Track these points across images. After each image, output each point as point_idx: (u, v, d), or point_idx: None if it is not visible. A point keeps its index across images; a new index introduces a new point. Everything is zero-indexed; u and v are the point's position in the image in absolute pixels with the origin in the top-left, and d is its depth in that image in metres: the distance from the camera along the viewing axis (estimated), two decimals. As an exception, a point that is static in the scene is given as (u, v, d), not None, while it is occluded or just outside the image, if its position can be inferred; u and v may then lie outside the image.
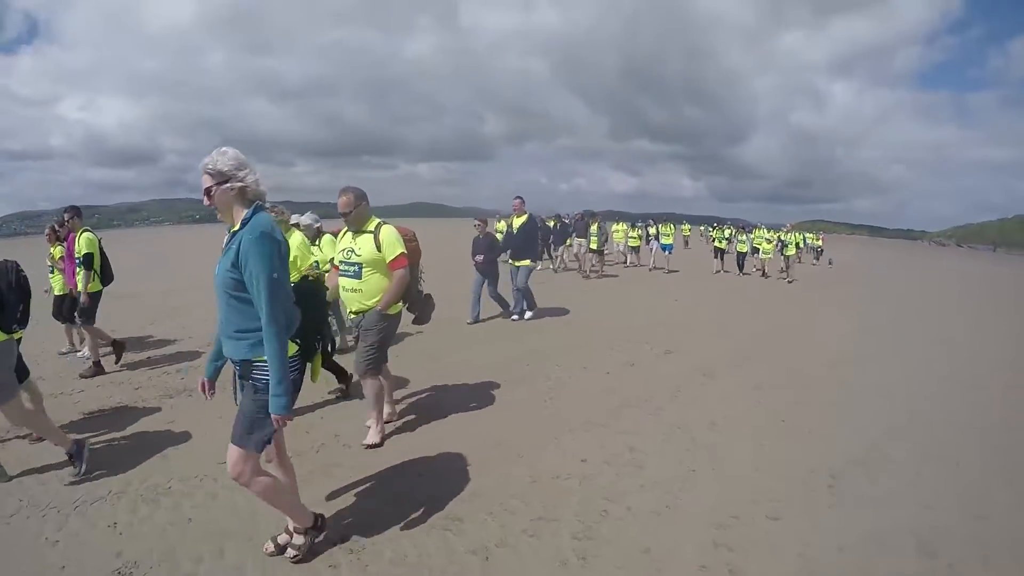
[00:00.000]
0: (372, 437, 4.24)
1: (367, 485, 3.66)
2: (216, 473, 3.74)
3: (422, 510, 3.34)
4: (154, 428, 4.57)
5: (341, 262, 4.17)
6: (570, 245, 16.95)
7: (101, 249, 6.16)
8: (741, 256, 18.01)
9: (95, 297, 6.07)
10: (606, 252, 17.05)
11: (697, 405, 5.30)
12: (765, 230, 18.91)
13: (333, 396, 5.31)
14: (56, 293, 6.72)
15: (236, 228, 2.40)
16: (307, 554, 2.86)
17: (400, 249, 4.04)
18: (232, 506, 3.37)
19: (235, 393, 2.73)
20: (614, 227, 20.65)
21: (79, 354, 6.74)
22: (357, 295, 4.09)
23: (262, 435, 2.48)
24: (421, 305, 4.81)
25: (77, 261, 5.87)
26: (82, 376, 5.95)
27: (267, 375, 2.38)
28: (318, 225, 6.38)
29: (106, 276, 6.28)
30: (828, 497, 3.62)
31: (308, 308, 2.57)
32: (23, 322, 3.80)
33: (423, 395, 5.46)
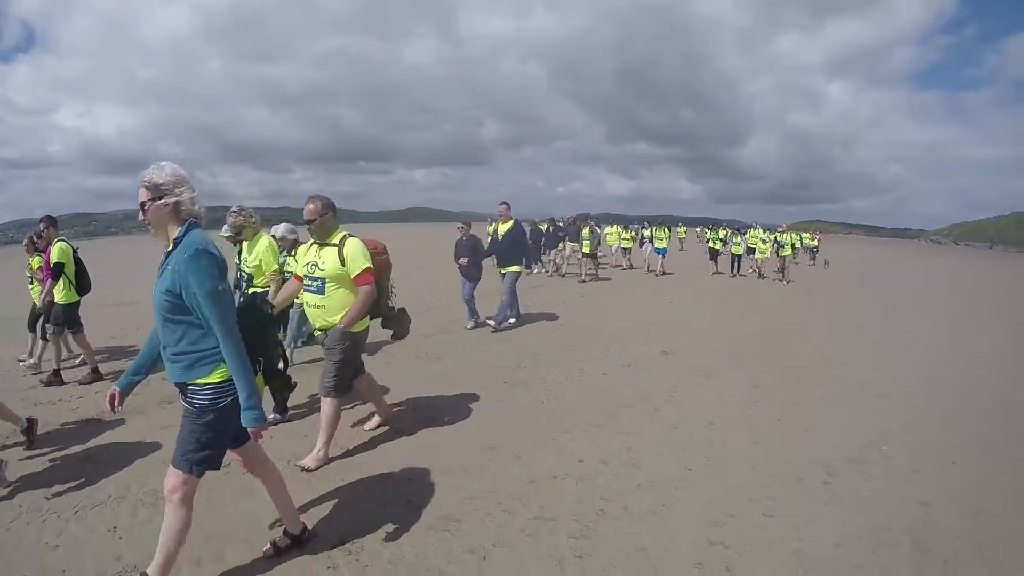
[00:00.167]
0: (311, 460, 3.93)
1: (365, 487, 3.67)
2: (216, 477, 3.74)
3: (420, 511, 3.36)
4: (152, 433, 4.57)
5: (305, 276, 3.98)
6: (563, 249, 16.82)
7: (78, 259, 6.16)
8: (736, 257, 17.97)
9: (72, 308, 6.08)
10: (601, 256, 17.01)
11: (693, 405, 5.33)
12: (761, 231, 18.87)
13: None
14: (36, 303, 6.68)
15: (170, 248, 2.32)
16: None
17: (365, 264, 3.83)
18: (232, 509, 3.39)
19: None
20: (608, 230, 20.63)
21: (24, 362, 6.63)
22: (320, 311, 3.90)
23: (197, 458, 2.38)
24: (396, 321, 4.66)
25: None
26: (42, 383, 5.94)
27: (202, 399, 2.33)
28: (294, 236, 6.09)
29: (82, 286, 6.24)
30: (824, 494, 3.65)
31: (246, 330, 2.44)
32: None
33: (420, 398, 5.48)
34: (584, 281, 15.27)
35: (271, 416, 4.77)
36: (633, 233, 20.44)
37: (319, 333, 4.01)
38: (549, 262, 17.58)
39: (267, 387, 4.50)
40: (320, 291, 3.87)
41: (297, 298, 4.21)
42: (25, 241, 6.79)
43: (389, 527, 3.19)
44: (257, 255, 4.87)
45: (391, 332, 4.78)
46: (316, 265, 3.88)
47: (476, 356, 7.18)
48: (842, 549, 3.03)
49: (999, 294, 16.80)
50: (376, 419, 4.69)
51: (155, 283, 2.31)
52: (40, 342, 6.52)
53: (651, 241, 18.34)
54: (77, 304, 6.18)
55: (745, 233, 19.02)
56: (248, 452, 2.62)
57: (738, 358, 7.19)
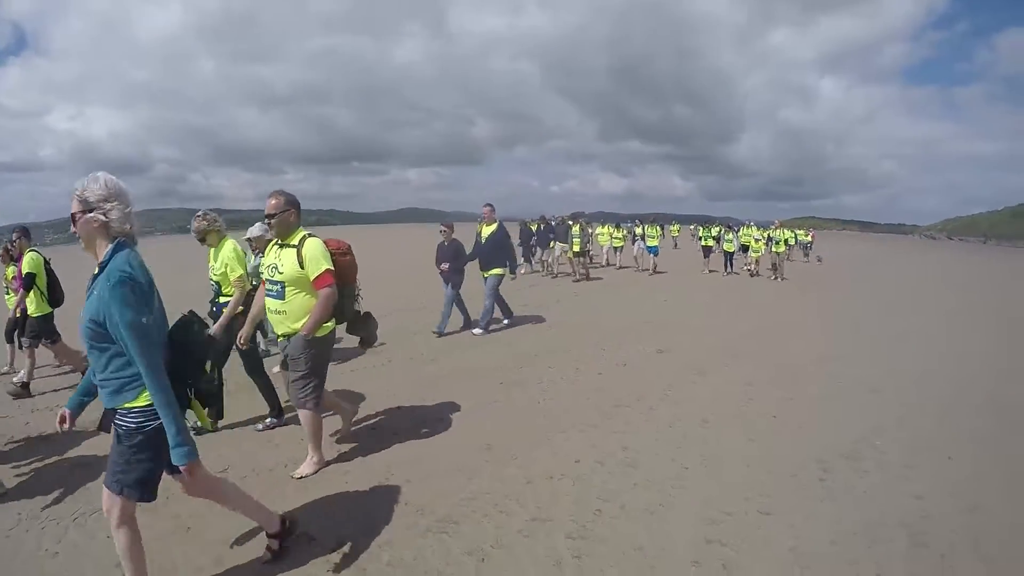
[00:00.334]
0: (305, 468, 3.92)
1: (362, 490, 3.67)
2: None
3: (418, 513, 3.37)
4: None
5: (266, 279, 3.81)
6: (553, 248, 16.61)
7: (50, 270, 6.12)
8: (728, 255, 17.97)
9: (44, 319, 6.04)
10: (594, 255, 16.92)
11: (689, 403, 5.35)
12: (754, 228, 18.89)
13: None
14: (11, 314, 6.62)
15: (96, 271, 2.23)
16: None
17: (324, 266, 3.63)
18: (230, 515, 3.38)
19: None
20: (599, 229, 20.51)
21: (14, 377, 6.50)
22: (281, 317, 3.73)
23: (127, 480, 2.29)
24: (362, 326, 4.42)
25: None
26: (8, 392, 5.91)
27: (128, 422, 2.24)
28: (271, 236, 5.92)
29: (54, 297, 6.18)
30: (819, 491, 3.67)
31: (177, 354, 2.35)
32: None
33: (416, 399, 5.48)
34: (578, 280, 15.23)
35: (267, 421, 4.78)
36: (625, 232, 20.28)
37: (282, 339, 3.83)
38: (539, 261, 17.36)
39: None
40: (280, 295, 3.70)
41: None
42: (0, 251, 6.75)
43: (387, 529, 3.20)
44: (222, 261, 4.66)
45: (358, 339, 4.54)
46: (276, 268, 3.72)
47: (471, 357, 7.19)
48: (838, 546, 3.04)
49: (993, 289, 16.89)
50: (344, 426, 4.56)
51: (83, 308, 2.20)
52: (18, 352, 6.49)
53: (643, 239, 18.16)
54: (50, 315, 6.13)
55: (738, 230, 19.04)
56: (186, 480, 2.45)
57: (732, 356, 7.22)
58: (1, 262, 6.74)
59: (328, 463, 4.03)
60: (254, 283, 4.82)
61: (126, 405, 2.24)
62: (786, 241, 18.20)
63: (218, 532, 3.19)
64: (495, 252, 8.59)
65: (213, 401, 2.50)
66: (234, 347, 4.50)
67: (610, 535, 3.14)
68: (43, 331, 6.03)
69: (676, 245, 32.08)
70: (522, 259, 17.78)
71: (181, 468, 2.26)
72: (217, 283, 4.74)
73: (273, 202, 3.68)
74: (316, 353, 3.75)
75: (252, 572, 2.85)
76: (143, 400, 2.23)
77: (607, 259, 20.11)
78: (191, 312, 2.52)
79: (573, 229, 15.33)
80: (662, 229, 24.08)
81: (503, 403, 5.41)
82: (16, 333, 6.39)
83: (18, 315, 6.04)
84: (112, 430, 2.32)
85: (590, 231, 17.03)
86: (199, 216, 4.78)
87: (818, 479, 3.82)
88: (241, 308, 4.53)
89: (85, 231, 2.23)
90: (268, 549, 2.92)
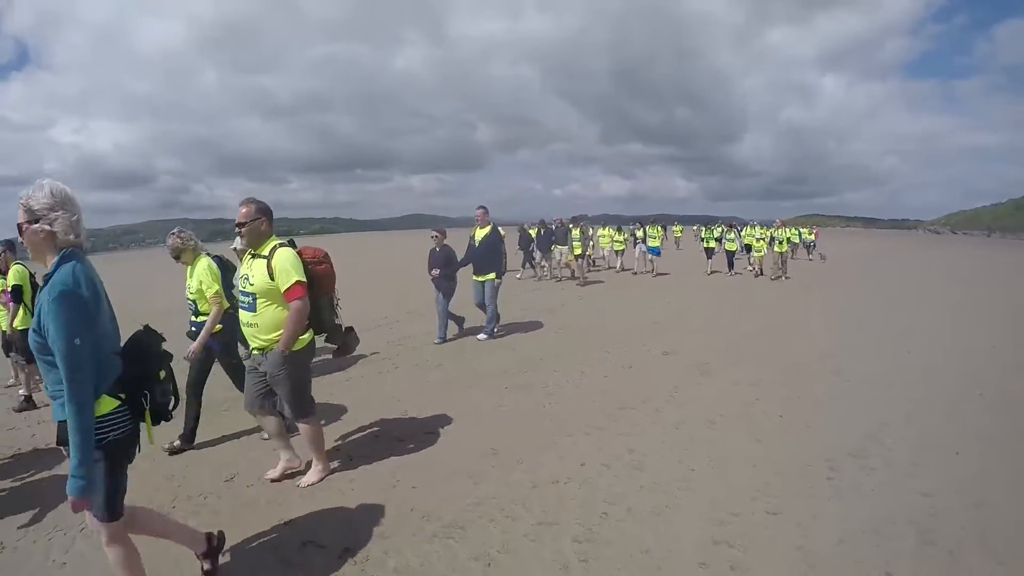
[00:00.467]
0: (311, 476, 3.91)
1: (368, 497, 3.67)
2: (220, 491, 3.78)
3: (424, 519, 3.37)
4: (157, 448, 4.58)
5: (239, 291, 3.69)
6: (553, 252, 16.45)
7: (35, 283, 6.13)
8: (730, 255, 17.87)
9: (26, 334, 6.00)
10: (598, 257, 16.81)
11: (694, 404, 5.34)
12: (757, 228, 18.78)
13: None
14: (4, 328, 6.59)
15: (41, 283, 2.15)
16: None
17: (295, 277, 3.46)
18: (237, 522, 3.40)
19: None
20: (600, 232, 20.39)
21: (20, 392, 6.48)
22: (253, 330, 3.61)
23: (106, 500, 2.24)
24: (340, 336, 4.25)
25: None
26: (13, 409, 5.94)
27: None
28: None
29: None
30: (827, 490, 3.66)
31: (135, 361, 2.29)
32: None
33: (421, 405, 5.48)
34: (581, 284, 15.15)
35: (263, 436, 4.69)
36: (627, 235, 20.10)
37: (256, 353, 3.68)
38: (538, 265, 17.21)
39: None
40: (251, 308, 3.57)
41: None
42: None
43: (393, 536, 3.20)
44: (197, 279, 4.52)
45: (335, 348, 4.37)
46: (247, 279, 3.57)
47: (476, 362, 7.19)
48: (846, 545, 3.03)
49: (998, 282, 16.79)
50: (281, 467, 4.02)
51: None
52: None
53: (644, 241, 17.91)
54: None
55: (741, 230, 18.93)
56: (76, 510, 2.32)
57: (737, 356, 7.21)
58: None
59: (334, 470, 4.04)
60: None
61: None
62: (788, 240, 18.08)
63: (225, 541, 3.18)
64: (489, 256, 8.39)
65: (165, 414, 2.44)
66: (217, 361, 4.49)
67: (617, 538, 3.14)
68: (24, 345, 6.03)
69: (679, 246, 31.96)
70: (522, 264, 17.73)
71: (69, 500, 2.07)
72: (193, 301, 4.61)
73: (244, 210, 3.54)
74: (296, 367, 3.64)
75: (260, 581, 2.85)
76: (98, 409, 2.16)
77: (608, 263, 20.02)
78: (146, 326, 2.45)
79: (573, 232, 15.26)
80: (664, 230, 23.94)
81: (508, 407, 5.40)
82: (6, 349, 6.38)
83: (11, 331, 6.02)
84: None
85: (590, 233, 16.91)
86: (173, 234, 4.69)
87: (825, 478, 3.81)
88: (220, 327, 4.49)
89: (32, 242, 2.16)
90: (203, 572, 2.83)
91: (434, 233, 8.41)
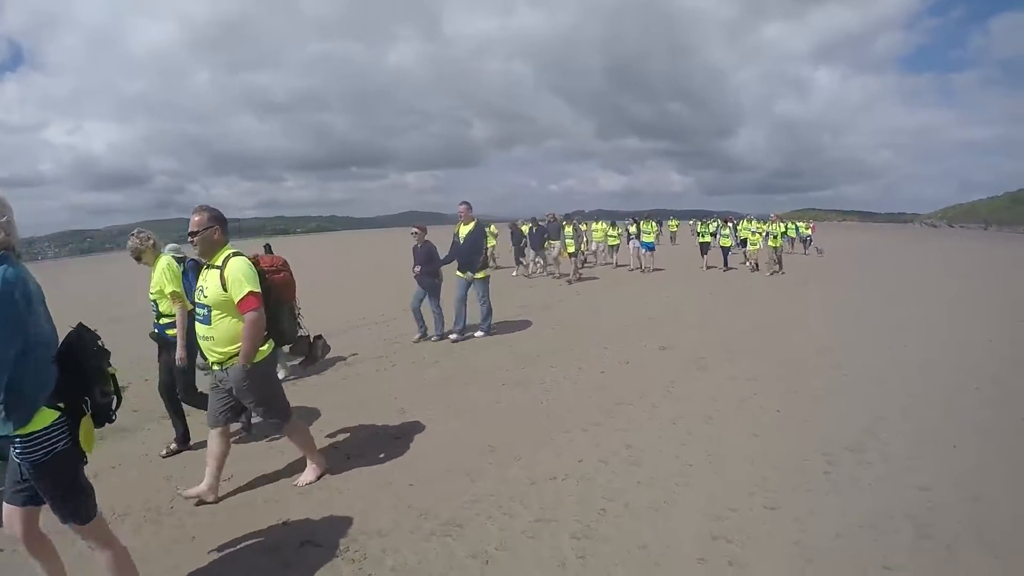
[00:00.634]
0: (307, 475, 3.88)
1: (366, 494, 3.67)
2: (218, 490, 3.76)
3: (422, 517, 3.36)
4: (155, 450, 4.58)
5: (195, 304, 3.56)
6: (547, 249, 16.28)
7: None
8: (725, 250, 17.78)
9: None
10: (589, 253, 16.69)
11: (692, 399, 5.34)
12: (754, 222, 18.71)
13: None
14: None
15: None
16: None
17: (248, 288, 3.31)
18: (234, 521, 3.39)
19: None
20: (594, 227, 20.11)
21: None
22: (210, 343, 3.48)
23: (67, 513, 2.23)
24: (305, 347, 4.16)
25: None
26: None
27: (34, 453, 2.11)
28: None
29: None
30: (824, 484, 3.65)
31: (70, 368, 2.22)
32: None
33: (418, 402, 5.48)
34: (571, 282, 14.92)
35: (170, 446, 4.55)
36: (621, 230, 19.70)
37: (217, 368, 3.54)
38: (532, 263, 17.06)
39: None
40: (207, 320, 3.44)
41: None
42: None
43: (391, 534, 3.19)
44: (157, 279, 4.37)
45: (300, 358, 4.27)
46: (202, 290, 3.45)
47: (473, 359, 7.19)
48: (844, 539, 3.03)
49: (995, 276, 16.81)
50: (202, 486, 3.72)
51: None
52: None
53: (637, 236, 17.68)
54: None
55: (737, 224, 18.86)
56: (32, 521, 2.30)
57: (734, 351, 7.21)
58: None
59: (331, 468, 4.03)
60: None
61: (21, 432, 2.10)
62: (783, 233, 18.00)
63: (223, 541, 3.18)
64: (474, 253, 8.25)
65: (108, 415, 2.40)
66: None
67: (615, 534, 3.13)
68: None
69: (674, 240, 31.84)
70: (516, 260, 17.65)
71: None
72: (155, 302, 4.47)
73: (196, 218, 3.41)
74: (260, 378, 3.53)
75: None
76: (39, 423, 2.12)
77: (601, 259, 19.76)
78: (80, 324, 2.36)
79: (566, 229, 15.17)
80: (659, 225, 23.73)
81: (505, 404, 5.40)
82: None
83: None
84: (13, 459, 2.20)
85: (583, 229, 16.73)
86: (133, 234, 4.54)
87: (823, 472, 3.81)
88: (174, 331, 4.36)
89: None
90: None
91: (414, 229, 8.33)
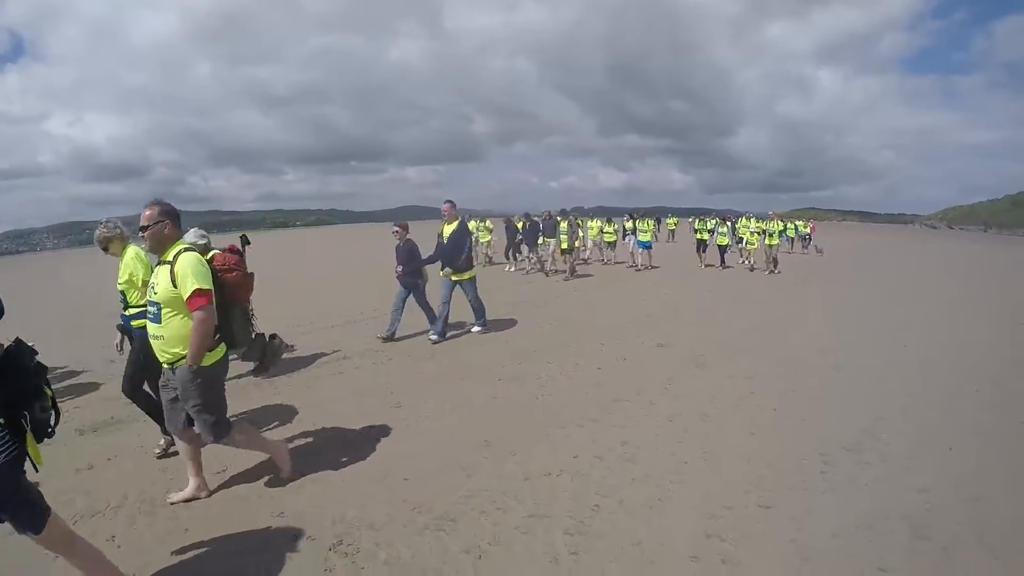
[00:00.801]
0: (284, 472, 3.81)
1: (360, 488, 3.65)
2: (212, 484, 3.74)
3: (416, 511, 3.35)
4: (149, 442, 4.55)
5: (148, 301, 3.39)
6: (543, 245, 16.13)
7: None
8: (722, 249, 17.73)
9: None
10: (582, 249, 16.57)
11: (689, 397, 5.32)
12: (752, 220, 18.61)
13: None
14: None
15: None
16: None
17: (196, 284, 3.16)
18: (228, 515, 3.37)
19: None
20: (589, 223, 19.79)
21: None
22: (160, 343, 3.30)
23: (22, 525, 2.22)
24: (258, 351, 3.95)
25: None
26: None
27: None
28: (204, 242, 5.03)
29: None
30: (821, 484, 3.64)
31: (9, 380, 2.16)
32: None
33: (414, 396, 5.46)
34: (568, 278, 14.77)
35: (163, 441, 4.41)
36: (617, 226, 19.43)
37: (166, 368, 3.38)
38: (524, 259, 16.95)
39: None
40: (156, 319, 3.28)
41: None
42: None
43: (385, 528, 3.18)
44: (126, 269, 4.26)
45: (254, 365, 4.09)
46: (152, 287, 3.30)
47: (469, 355, 7.16)
48: (840, 539, 3.02)
49: (995, 277, 16.79)
50: (189, 489, 3.65)
51: None
52: None
53: (634, 234, 17.44)
54: None
55: (735, 221, 18.77)
56: None
57: (733, 349, 7.18)
58: None
59: (325, 461, 4.01)
60: None
61: None
62: (781, 232, 17.89)
63: (217, 534, 3.17)
64: (457, 252, 7.98)
65: (46, 431, 2.28)
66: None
67: (608, 531, 3.12)
68: None
69: (673, 238, 31.63)
70: (511, 256, 17.59)
71: None
72: (123, 292, 4.34)
73: (147, 213, 3.26)
74: (205, 383, 3.32)
75: (251, 571, 2.83)
76: None
77: (593, 256, 19.53)
78: (17, 339, 2.30)
79: (561, 225, 15.06)
80: (657, 223, 23.49)
81: (501, 399, 5.38)
82: None
83: None
84: None
85: (578, 226, 16.63)
86: (101, 224, 4.40)
87: (820, 472, 3.79)
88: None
89: None
90: None
91: (395, 228, 8.13)
